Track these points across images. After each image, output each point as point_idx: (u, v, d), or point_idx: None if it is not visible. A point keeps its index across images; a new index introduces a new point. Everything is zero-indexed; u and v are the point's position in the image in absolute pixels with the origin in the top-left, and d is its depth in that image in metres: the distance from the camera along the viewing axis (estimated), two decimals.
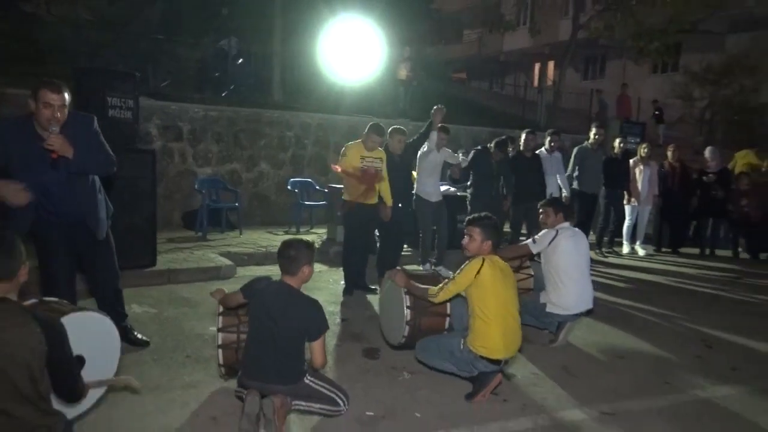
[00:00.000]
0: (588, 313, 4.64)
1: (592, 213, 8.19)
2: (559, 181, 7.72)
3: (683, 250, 9.06)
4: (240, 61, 10.78)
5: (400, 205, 6.44)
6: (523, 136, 7.37)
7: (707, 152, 8.92)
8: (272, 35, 10.69)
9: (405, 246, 7.00)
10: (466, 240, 3.67)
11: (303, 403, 3.08)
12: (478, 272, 3.48)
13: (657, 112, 17.50)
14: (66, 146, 3.32)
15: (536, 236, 4.58)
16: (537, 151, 7.56)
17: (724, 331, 5.15)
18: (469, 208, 7.21)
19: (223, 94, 10.62)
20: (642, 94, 21.59)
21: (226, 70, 10.30)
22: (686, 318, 5.55)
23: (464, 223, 3.75)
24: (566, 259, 4.38)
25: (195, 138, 8.78)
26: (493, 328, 3.46)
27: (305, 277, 3.15)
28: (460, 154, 6.95)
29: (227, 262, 6.40)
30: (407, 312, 3.85)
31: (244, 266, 6.71)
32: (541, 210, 4.66)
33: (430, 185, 6.72)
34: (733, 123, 20.24)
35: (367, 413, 3.28)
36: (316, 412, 3.14)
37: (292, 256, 3.09)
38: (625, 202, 8.47)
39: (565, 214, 4.57)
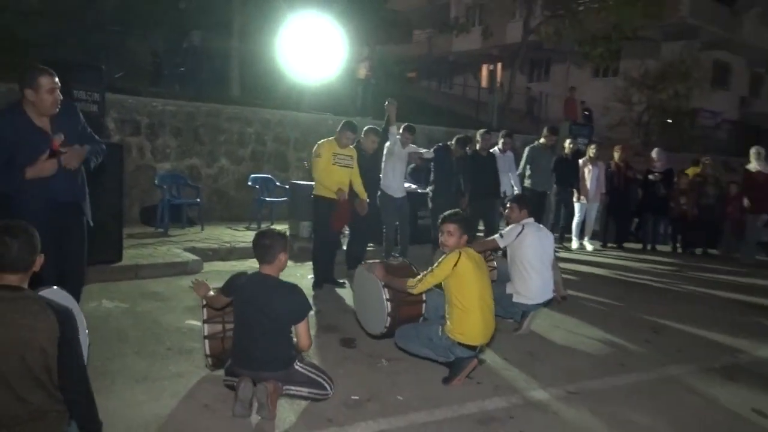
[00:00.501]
0: (548, 303, 4.94)
1: (542, 210, 8.59)
2: (511, 180, 8.08)
3: (626, 245, 9.61)
4: (197, 55, 10.66)
5: (368, 201, 6.63)
6: (479, 135, 7.65)
7: (654, 153, 9.49)
8: (230, 31, 10.64)
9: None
10: (444, 236, 3.88)
11: (293, 388, 3.23)
12: (456, 264, 3.70)
13: (586, 113, 18.22)
14: (80, 157, 3.55)
15: (503, 231, 4.85)
16: (491, 150, 7.88)
17: (669, 319, 5.57)
18: (430, 204, 7.48)
19: (177, 87, 10.50)
20: (584, 97, 22.52)
21: (186, 65, 10.18)
22: (634, 307, 5.96)
23: (440, 221, 3.94)
24: (531, 253, 4.66)
25: (153, 132, 8.68)
26: (471, 317, 3.69)
27: (282, 265, 3.29)
28: (426, 150, 7.19)
29: (193, 257, 6.42)
30: (387, 304, 4.04)
31: (209, 261, 6.73)
32: (507, 206, 4.93)
33: (394, 181, 6.92)
34: (666, 126, 21.41)
35: (352, 397, 3.45)
36: (305, 397, 3.28)
37: (268, 244, 3.23)
38: (574, 199, 8.92)
39: (528, 210, 4.86)
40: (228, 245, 7.21)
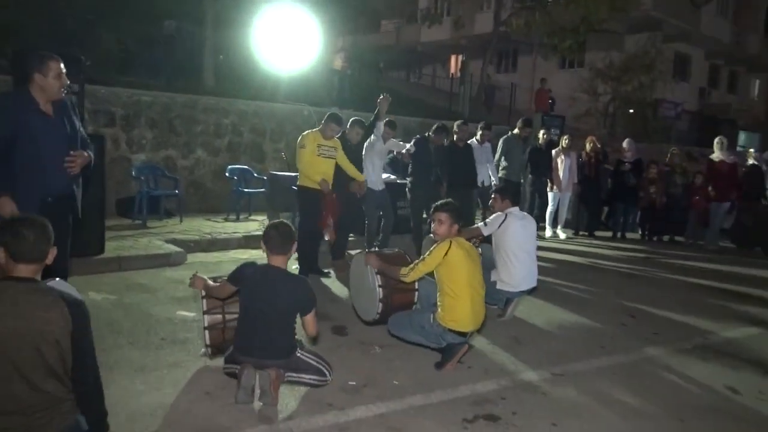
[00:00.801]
0: (532, 290, 5.11)
1: (518, 200, 8.78)
2: (489, 170, 8.25)
3: (597, 233, 9.90)
4: (170, 45, 10.51)
5: (348, 192, 6.70)
6: (456, 127, 7.77)
7: (625, 143, 9.78)
8: (204, 20, 10.51)
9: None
10: (435, 225, 3.99)
11: (294, 375, 3.31)
12: (447, 253, 3.82)
13: (550, 101, 18.51)
14: (84, 164, 3.76)
15: (487, 220, 4.99)
16: (468, 142, 8.01)
17: (643, 303, 5.82)
18: (409, 195, 7.58)
19: (149, 77, 10.35)
20: (551, 88, 22.90)
21: (159, 55, 10.03)
22: (609, 292, 6.20)
23: (432, 210, 4.05)
24: (514, 241, 4.81)
25: (128, 123, 8.57)
26: (461, 304, 3.81)
27: (290, 255, 3.37)
28: (407, 145, 7.27)
29: (176, 249, 6.40)
30: (379, 291, 4.14)
31: (191, 253, 6.71)
32: (492, 196, 5.07)
33: (374, 175, 7.00)
34: (630, 116, 21.97)
35: (349, 383, 3.55)
36: (306, 383, 3.36)
37: (281, 236, 3.30)
38: (548, 189, 9.15)
39: (511, 200, 5.01)
40: (209, 237, 7.20)
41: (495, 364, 4.02)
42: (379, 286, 4.15)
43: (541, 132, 9.06)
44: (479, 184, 8.12)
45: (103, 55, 10.62)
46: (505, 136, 8.57)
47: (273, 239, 3.31)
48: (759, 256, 9.05)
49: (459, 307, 3.82)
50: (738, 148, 28.09)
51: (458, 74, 24.10)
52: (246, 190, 8.81)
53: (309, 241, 6.14)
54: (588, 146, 9.56)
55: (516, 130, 8.58)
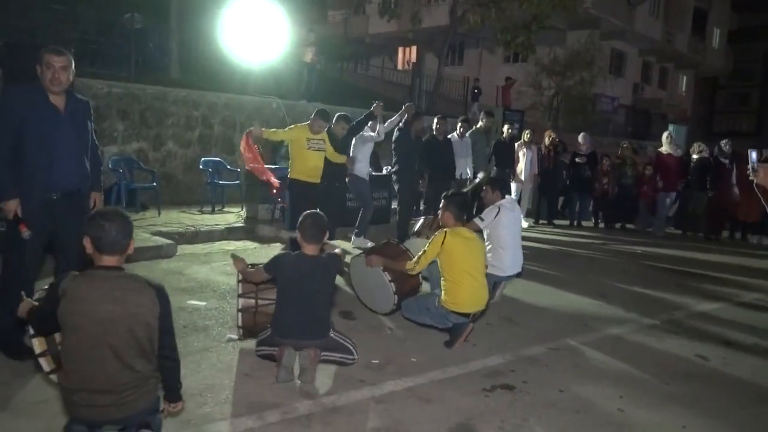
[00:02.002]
0: (518, 275, 5.53)
1: (505, 190, 9.24)
2: (467, 163, 8.62)
3: (555, 221, 10.51)
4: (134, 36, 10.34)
5: (338, 184, 6.96)
6: (435, 121, 8.10)
7: (580, 137, 10.41)
8: (168, 11, 10.40)
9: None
10: (440, 214, 4.33)
11: (328, 354, 3.58)
12: (443, 242, 4.17)
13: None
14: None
15: (482, 214, 5.31)
16: (449, 136, 8.36)
17: (610, 284, 6.38)
18: (396, 186, 7.85)
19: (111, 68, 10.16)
20: (497, 81, 23.66)
21: (123, 46, 9.87)
22: (579, 275, 6.73)
23: (441, 200, 4.38)
24: (506, 232, 5.20)
25: (99, 115, 8.43)
26: (460, 288, 4.17)
27: (321, 244, 3.63)
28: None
29: (167, 241, 6.48)
30: (391, 285, 4.45)
31: (178, 245, 6.79)
32: (483, 188, 5.44)
33: (365, 166, 7.30)
34: (571, 110, 23.04)
35: (372, 361, 3.85)
36: (337, 361, 3.64)
37: (317, 226, 3.55)
38: (511, 180, 9.65)
39: (501, 191, 5.40)
40: (192, 229, 7.28)
41: (496, 342, 4.40)
42: (390, 281, 4.45)
43: (506, 126, 9.54)
44: (457, 176, 8.48)
45: (67, 45, 10.34)
46: (470, 131, 8.98)
47: (308, 228, 3.55)
48: (700, 241, 9.89)
49: (458, 291, 4.17)
50: None
51: (408, 66, 24.57)
52: (221, 182, 8.87)
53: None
54: (547, 140, 10.13)
55: (480, 124, 9.00)
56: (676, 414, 3.41)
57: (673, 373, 4.05)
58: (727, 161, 9.83)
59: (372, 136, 7.22)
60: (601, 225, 10.56)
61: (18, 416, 2.89)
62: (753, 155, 3.25)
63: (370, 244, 7.28)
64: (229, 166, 9.25)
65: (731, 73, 41.12)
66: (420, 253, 4.33)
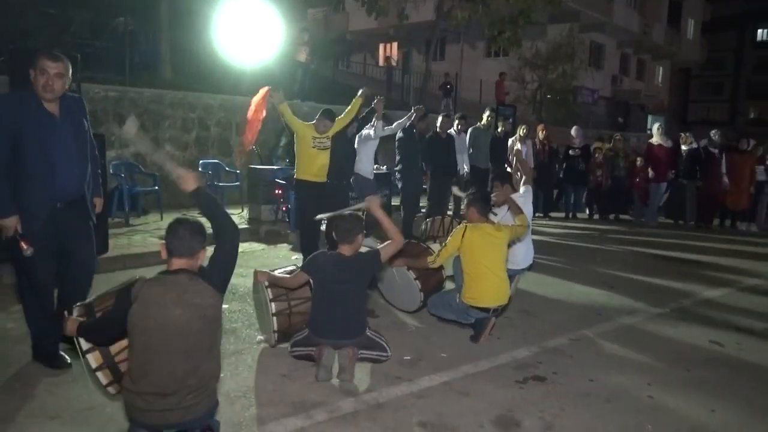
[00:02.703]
0: (530, 267, 5.64)
1: (485, 185, 9.34)
2: (464, 159, 8.73)
3: (551, 214, 10.68)
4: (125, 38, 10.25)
5: (344, 182, 6.99)
6: (440, 119, 8.18)
7: (573, 131, 10.57)
8: (158, 13, 10.31)
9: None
10: (466, 211, 4.42)
11: (365, 352, 3.64)
12: (462, 237, 4.26)
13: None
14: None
15: (494, 209, 5.39)
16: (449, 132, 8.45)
17: (615, 274, 6.53)
18: (399, 184, 7.91)
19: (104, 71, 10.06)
20: (479, 76, 23.84)
21: (114, 48, 9.78)
22: (584, 266, 6.87)
23: (466, 202, 4.47)
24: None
25: (96, 120, 8.36)
26: (480, 283, 4.26)
27: (359, 244, 3.68)
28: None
29: None
30: (417, 283, 4.53)
31: None
32: (496, 183, 5.51)
33: (369, 165, 7.33)
34: (554, 102, 23.31)
35: (405, 357, 3.92)
36: (373, 359, 3.70)
37: (349, 228, 3.61)
38: None
39: (511, 185, 5.49)
40: None
41: (519, 335, 4.50)
42: (415, 278, 4.52)
43: (500, 122, 9.66)
44: (458, 172, 8.58)
45: (60, 49, 10.20)
46: (473, 126, 9.07)
47: (340, 230, 3.61)
48: (692, 230, 10.12)
49: (477, 286, 4.26)
50: (647, 131, 30.47)
51: (390, 63, 24.59)
52: (220, 184, 8.85)
53: (310, 231, 6.38)
54: (541, 134, 10.26)
55: (483, 121, 9.11)
56: (703, 399, 3.54)
57: (692, 360, 4.17)
58: (716, 151, 10.05)
59: (370, 134, 7.23)
60: (596, 216, 10.75)
61: (68, 424, 2.91)
62: None
63: (378, 244, 7.34)
64: (227, 168, 9.24)
65: (704, 63, 41.81)
66: (440, 248, 4.40)
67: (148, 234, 6.92)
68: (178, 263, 2.54)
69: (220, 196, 8.90)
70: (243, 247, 7.24)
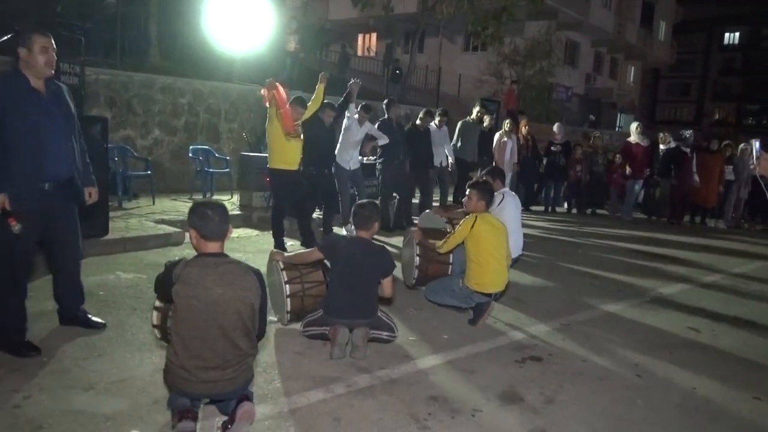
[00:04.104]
0: (518, 258, 5.92)
1: (471, 178, 9.62)
2: (446, 151, 9.00)
3: (532, 207, 11.04)
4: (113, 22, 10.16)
5: (326, 171, 7.18)
6: (422, 113, 8.45)
7: (555, 127, 10.91)
8: None
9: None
10: (466, 199, 4.66)
11: (376, 332, 3.85)
12: (473, 226, 4.50)
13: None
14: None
15: None
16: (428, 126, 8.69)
17: (597, 266, 6.87)
18: (380, 176, 8.15)
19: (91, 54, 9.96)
20: (457, 70, 24.12)
21: (102, 32, 9.70)
22: (566, 258, 7.19)
23: (467, 187, 4.71)
24: (509, 216, 5.56)
25: (87, 103, 8.35)
26: (485, 270, 4.50)
27: (375, 231, 3.89)
28: (384, 138, 7.79)
29: (175, 228, 6.58)
30: (417, 259, 4.76)
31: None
32: (485, 177, 5.77)
33: (349, 154, 7.51)
34: (531, 99, 23.74)
35: (409, 338, 4.15)
36: (383, 339, 3.91)
37: (367, 215, 3.81)
38: None
39: (502, 180, 5.76)
40: None
41: (513, 319, 4.77)
42: (417, 255, 4.76)
43: (487, 117, 9.93)
44: (438, 164, 8.85)
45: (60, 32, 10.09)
46: (462, 120, 9.32)
47: (358, 217, 3.81)
48: (665, 225, 10.58)
49: (483, 273, 4.51)
50: (617, 129, 31.25)
51: (369, 53, 24.77)
52: (211, 170, 8.94)
53: (282, 219, 6.51)
54: (523, 129, 10.58)
55: (473, 115, 9.38)
56: (685, 378, 3.85)
57: (673, 344, 4.50)
58: (688, 150, 10.51)
59: (350, 125, 7.36)
60: (574, 210, 11.14)
61: (102, 394, 3.05)
62: (756, 145, 3.55)
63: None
64: (217, 154, 9.32)
65: (673, 65, 42.90)
66: (449, 235, 4.64)
67: (143, 218, 7.00)
68: (213, 246, 2.70)
69: (210, 182, 9.01)
70: (237, 232, 7.39)
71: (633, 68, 36.55)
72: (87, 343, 3.68)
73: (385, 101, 8.36)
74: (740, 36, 57.17)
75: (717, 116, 57.04)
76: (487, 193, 4.66)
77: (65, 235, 3.73)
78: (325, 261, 4.01)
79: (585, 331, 4.63)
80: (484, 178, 5.63)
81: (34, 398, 2.97)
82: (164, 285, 2.67)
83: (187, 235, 6.73)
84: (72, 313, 3.90)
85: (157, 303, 3.04)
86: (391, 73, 18.67)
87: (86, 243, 5.54)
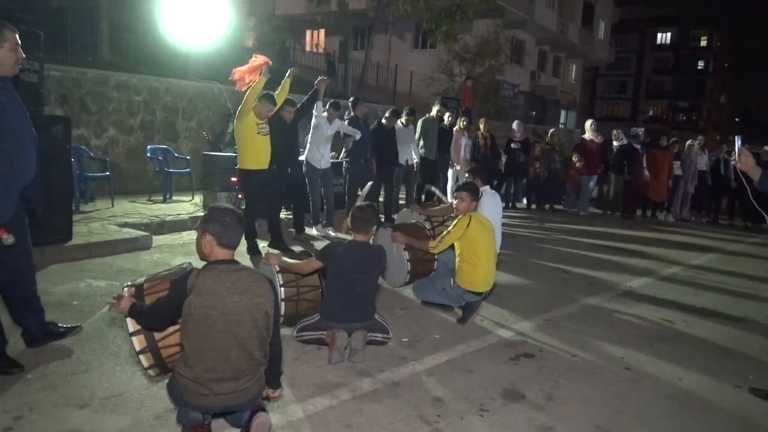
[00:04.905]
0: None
1: (435, 175, 9.70)
2: (412, 150, 9.02)
3: None
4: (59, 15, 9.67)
5: (289, 170, 7.06)
6: (388, 113, 8.44)
7: (514, 125, 11.11)
8: None
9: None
10: (457, 201, 4.66)
11: (371, 335, 3.81)
12: (467, 226, 4.52)
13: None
14: None
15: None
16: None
17: (565, 261, 7.04)
18: (347, 174, 8.10)
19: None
20: (407, 67, 24.21)
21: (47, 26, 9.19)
22: (534, 254, 7.34)
23: (455, 189, 4.72)
24: (488, 214, 5.61)
25: (39, 101, 7.92)
26: (477, 270, 4.54)
27: (372, 234, 3.84)
28: (357, 133, 7.74)
29: (142, 232, 6.32)
30: (408, 264, 4.75)
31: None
32: (467, 177, 5.81)
33: (319, 153, 7.40)
34: (481, 96, 24.11)
35: (402, 339, 4.14)
36: (378, 341, 3.87)
37: (367, 218, 3.76)
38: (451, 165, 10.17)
39: (483, 179, 5.80)
40: (157, 219, 7.10)
41: (498, 317, 4.82)
42: (408, 260, 4.74)
43: (447, 114, 10.02)
44: (404, 162, 8.87)
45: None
46: (423, 118, 9.35)
47: (357, 220, 3.75)
48: (619, 219, 10.97)
49: (475, 272, 4.55)
50: (560, 125, 32.17)
51: (315, 49, 24.59)
52: (172, 170, 8.65)
53: (255, 219, 6.37)
54: (482, 127, 10.71)
55: (433, 112, 9.43)
56: (670, 369, 3.99)
57: (651, 336, 4.66)
58: (639, 147, 10.91)
59: (318, 123, 7.26)
60: (533, 206, 11.38)
61: (100, 412, 2.90)
62: (738, 141, 3.65)
63: (332, 232, 7.51)
64: (176, 154, 9.02)
65: (610, 63, 44.47)
66: (443, 234, 4.63)
67: (105, 221, 6.69)
68: (225, 253, 2.61)
69: (170, 182, 8.70)
70: None
71: (574, 66, 37.65)
72: (71, 357, 3.49)
73: (351, 99, 8.31)
74: (671, 36, 59.91)
75: (651, 113, 59.63)
76: (476, 194, 4.69)
77: (21, 244, 3.37)
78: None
79: (568, 326, 4.74)
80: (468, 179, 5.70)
81: (26, 419, 2.79)
82: (173, 297, 2.54)
83: (154, 238, 6.57)
84: (41, 330, 3.60)
85: (134, 333, 2.79)
86: (326, 65, 18.66)
87: (49, 249, 5.38)
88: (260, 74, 5.88)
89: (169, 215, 7.35)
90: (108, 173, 7.77)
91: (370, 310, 3.78)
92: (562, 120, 35.46)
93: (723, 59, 61.59)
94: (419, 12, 15.18)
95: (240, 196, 7.95)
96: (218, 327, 2.50)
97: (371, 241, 3.95)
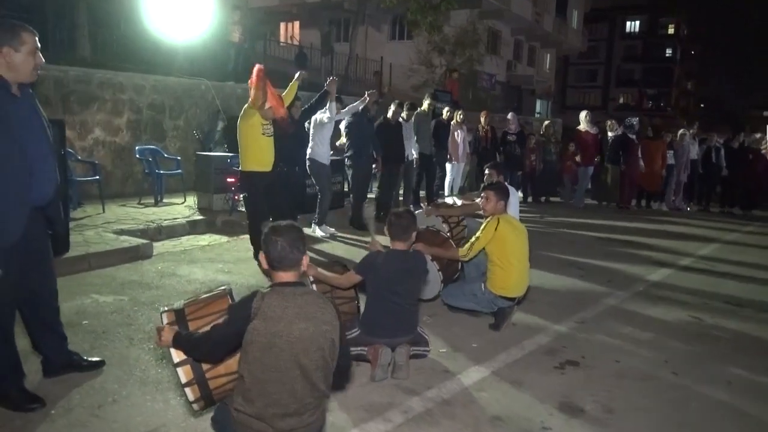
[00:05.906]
0: None
1: (432, 171, 9.50)
2: (411, 145, 8.80)
3: None
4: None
5: (297, 169, 6.81)
6: (393, 107, 8.18)
7: (509, 117, 10.95)
8: None
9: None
10: (483, 201, 4.45)
11: (414, 348, 3.60)
12: (497, 228, 4.31)
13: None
14: None
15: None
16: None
17: (578, 257, 6.91)
18: (350, 171, 7.84)
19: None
20: (384, 59, 23.93)
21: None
22: (546, 250, 7.18)
23: (481, 188, 4.50)
24: (511, 211, 5.43)
25: None
26: (509, 274, 4.34)
27: (412, 241, 3.60)
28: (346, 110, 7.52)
29: (142, 240, 5.99)
30: (439, 274, 4.51)
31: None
32: (486, 171, 5.61)
33: (324, 149, 7.15)
34: (461, 87, 23.97)
35: (441, 350, 3.93)
36: (420, 354, 3.67)
37: (405, 225, 3.52)
38: (449, 160, 9.98)
39: (504, 175, 5.62)
40: (153, 224, 6.76)
41: (530, 322, 4.64)
42: (438, 270, 4.50)
43: (445, 109, 9.81)
44: (406, 158, 8.64)
45: None
46: (416, 113, 9.11)
47: (395, 227, 3.51)
48: (615, 210, 10.93)
49: (507, 276, 4.34)
50: (536, 114, 32.27)
51: (290, 41, 24.11)
52: (162, 172, 8.27)
53: (261, 222, 6.07)
54: (483, 120, 10.54)
55: (425, 106, 9.21)
56: (716, 372, 3.87)
57: (686, 335, 4.55)
58: (634, 137, 10.87)
59: (323, 119, 7.02)
60: (530, 199, 11.26)
61: None
62: None
63: (332, 231, 7.27)
64: (166, 154, 8.64)
65: (583, 52, 44.77)
66: (472, 240, 4.41)
67: (99, 228, 6.33)
68: (286, 276, 2.36)
69: (160, 184, 8.32)
70: (204, 239, 6.87)
71: (549, 55, 37.78)
72: (94, 386, 3.20)
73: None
74: (640, 24, 60.67)
75: (622, 100, 60.37)
76: (505, 194, 4.49)
77: (42, 266, 3.17)
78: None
79: (601, 329, 4.58)
80: (495, 179, 5.46)
81: None
82: (234, 323, 2.28)
83: (154, 245, 6.23)
84: (63, 359, 3.31)
85: (180, 364, 2.50)
86: (296, 55, 18.30)
87: None
88: (263, 81, 5.54)
89: (164, 220, 7.00)
90: (98, 177, 7.37)
91: (414, 322, 3.57)
92: (537, 110, 35.59)
93: (690, 47, 62.67)
94: (404, 3, 14.90)
95: (236, 197, 7.65)
96: (284, 357, 2.25)
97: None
